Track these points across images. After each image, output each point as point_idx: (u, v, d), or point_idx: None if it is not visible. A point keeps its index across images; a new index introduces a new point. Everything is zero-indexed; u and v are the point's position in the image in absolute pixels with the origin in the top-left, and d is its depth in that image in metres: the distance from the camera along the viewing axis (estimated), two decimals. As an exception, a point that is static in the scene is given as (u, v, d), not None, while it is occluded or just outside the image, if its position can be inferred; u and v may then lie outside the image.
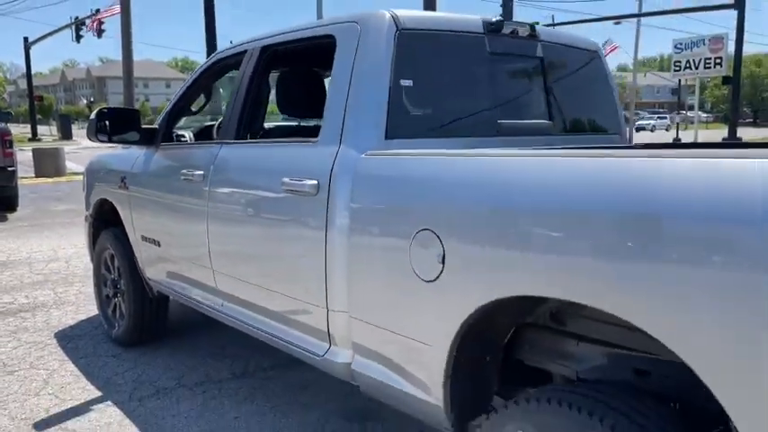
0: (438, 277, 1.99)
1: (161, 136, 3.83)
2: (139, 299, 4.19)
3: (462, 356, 2.02)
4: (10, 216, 10.45)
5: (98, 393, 3.69)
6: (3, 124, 10.83)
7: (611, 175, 1.63)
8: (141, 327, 4.28)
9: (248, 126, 3.18)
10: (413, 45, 2.55)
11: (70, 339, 4.61)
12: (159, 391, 3.71)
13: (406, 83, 2.51)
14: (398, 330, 2.20)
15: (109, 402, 3.55)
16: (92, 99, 78.92)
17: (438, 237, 1.99)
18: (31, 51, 33.91)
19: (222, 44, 17.77)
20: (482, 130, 2.73)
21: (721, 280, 1.34)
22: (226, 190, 3.10)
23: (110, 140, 3.64)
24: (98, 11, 28.76)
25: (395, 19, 2.54)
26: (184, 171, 3.38)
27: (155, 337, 4.44)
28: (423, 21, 2.65)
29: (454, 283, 1.95)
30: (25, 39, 33.87)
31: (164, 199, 3.66)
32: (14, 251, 7.64)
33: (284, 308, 2.79)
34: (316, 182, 2.48)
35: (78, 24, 30.54)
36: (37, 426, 3.30)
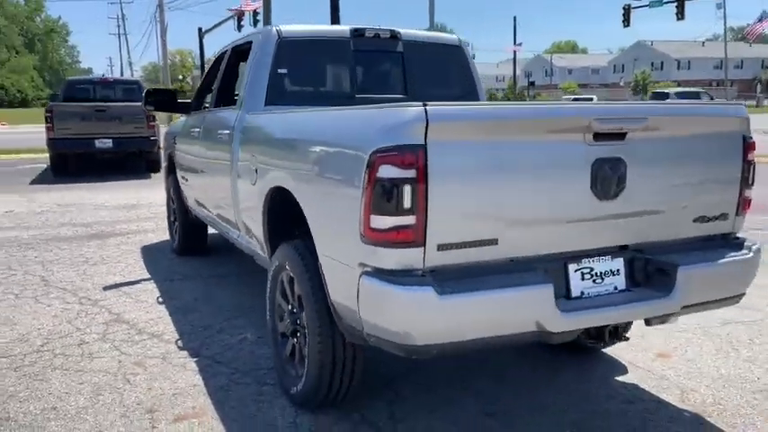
0: (255, 181, 3.59)
1: (193, 106, 5.69)
2: (184, 220, 6.15)
3: (269, 224, 3.58)
4: (153, 175, 13.19)
5: (148, 276, 5.68)
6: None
7: (313, 121, 3.14)
8: (186, 241, 6.25)
9: (220, 98, 4.91)
10: (289, 48, 4.12)
11: (148, 250, 6.73)
12: (185, 277, 5.62)
13: (282, 71, 4.08)
14: (246, 214, 3.83)
15: (151, 280, 5.53)
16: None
17: (255, 156, 3.58)
18: (205, 40, 38.58)
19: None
20: (341, 102, 4.20)
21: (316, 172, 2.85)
22: (203, 136, 4.88)
23: (155, 110, 5.57)
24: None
25: (278, 32, 4.12)
26: (192, 128, 5.22)
27: (197, 251, 6.40)
28: (298, 32, 4.20)
29: (260, 182, 3.54)
30: (199, 29, 38.61)
31: (184, 147, 5.53)
32: (144, 198, 10.14)
33: (223, 208, 4.51)
34: (228, 131, 4.16)
35: (239, 16, 34.33)
36: (105, 288, 5.32)
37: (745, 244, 3.01)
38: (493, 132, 2.41)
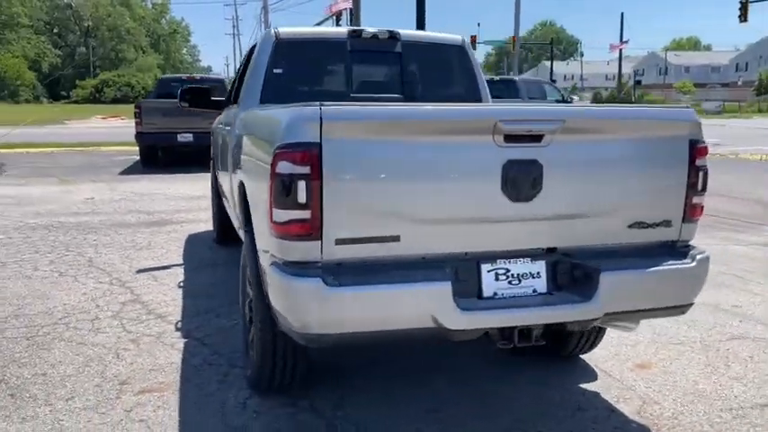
0: (233, 175, 3.81)
1: (224, 103, 6.02)
2: (218, 211, 6.52)
3: (243, 216, 3.79)
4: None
5: (181, 261, 6.10)
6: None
7: (256, 118, 3.33)
8: (220, 231, 6.61)
9: (235, 96, 5.19)
10: (286, 49, 4.31)
11: (194, 238, 7.19)
12: (213, 264, 5.98)
13: (278, 70, 4.29)
14: (234, 207, 4.07)
15: (182, 265, 5.93)
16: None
17: (236, 151, 3.82)
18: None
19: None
20: (336, 101, 4.35)
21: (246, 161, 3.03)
22: (219, 132, 5.18)
23: (189, 107, 5.94)
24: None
25: (276, 34, 4.32)
26: (218, 124, 5.55)
27: (231, 241, 6.76)
28: (296, 33, 4.38)
29: (234, 176, 3.75)
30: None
31: (213, 141, 5.88)
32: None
33: (228, 201, 4.77)
34: (229, 128, 4.41)
35: (338, 15, 35.15)
36: (138, 271, 5.77)
37: (691, 253, 2.89)
38: (391, 132, 2.48)
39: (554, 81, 45.03)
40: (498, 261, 2.71)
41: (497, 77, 19.83)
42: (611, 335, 4.27)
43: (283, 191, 2.41)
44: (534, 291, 2.74)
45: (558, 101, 17.58)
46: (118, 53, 77.10)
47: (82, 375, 3.61)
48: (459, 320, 2.52)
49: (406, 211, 2.52)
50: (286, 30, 4.38)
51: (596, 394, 3.46)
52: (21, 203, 9.24)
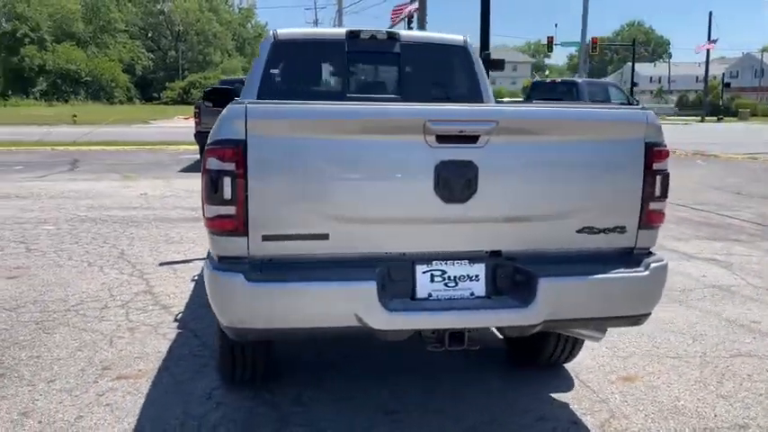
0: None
1: None
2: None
3: None
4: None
5: (205, 256, 6.30)
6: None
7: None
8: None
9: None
10: (283, 49, 4.40)
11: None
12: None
13: (274, 71, 4.38)
14: None
15: (203, 260, 6.13)
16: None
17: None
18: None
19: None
20: (332, 100, 4.39)
21: None
22: None
23: (213, 106, 6.13)
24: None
25: (275, 35, 4.41)
26: None
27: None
28: (294, 34, 4.46)
29: None
30: (375, 31, 40.24)
31: None
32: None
33: None
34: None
35: (409, 18, 35.24)
36: (161, 264, 6.01)
37: (645, 261, 2.75)
38: (318, 130, 2.50)
39: (636, 84, 43.43)
40: (434, 263, 2.67)
41: (559, 79, 19.37)
42: (605, 345, 4.12)
43: (212, 187, 2.48)
44: (472, 294, 2.69)
45: (622, 103, 16.94)
46: (205, 56, 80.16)
47: (71, 359, 3.81)
48: (384, 321, 2.51)
49: (333, 209, 2.54)
50: (285, 31, 4.47)
51: (565, 405, 3.35)
52: (80, 197, 9.80)
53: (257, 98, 4.30)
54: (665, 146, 2.75)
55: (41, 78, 60.78)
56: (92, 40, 68.66)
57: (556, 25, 77.25)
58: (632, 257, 2.78)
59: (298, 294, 2.48)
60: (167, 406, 3.27)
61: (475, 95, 4.61)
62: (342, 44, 4.44)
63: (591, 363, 3.86)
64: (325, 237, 2.55)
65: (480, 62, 4.67)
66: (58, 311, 4.65)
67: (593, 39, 42.52)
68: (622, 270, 2.69)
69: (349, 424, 3.12)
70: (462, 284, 2.68)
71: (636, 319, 2.80)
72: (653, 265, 2.73)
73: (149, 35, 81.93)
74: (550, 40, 42.63)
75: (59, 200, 9.51)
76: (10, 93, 58.85)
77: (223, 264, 2.54)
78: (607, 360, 3.92)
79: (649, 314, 2.81)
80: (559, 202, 2.68)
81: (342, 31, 4.47)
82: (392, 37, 4.48)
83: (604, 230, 2.73)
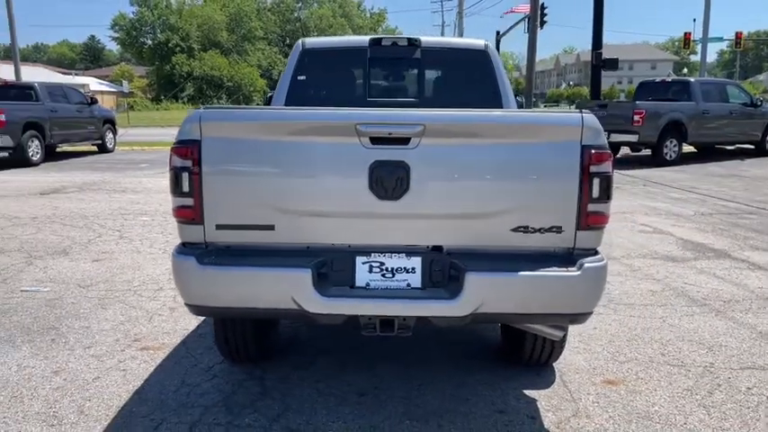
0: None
1: None
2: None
3: None
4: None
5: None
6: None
7: None
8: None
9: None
10: (310, 57, 4.74)
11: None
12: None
13: (301, 77, 4.74)
14: None
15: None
16: (570, 83, 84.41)
17: None
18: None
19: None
20: (354, 104, 4.68)
21: None
22: None
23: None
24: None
25: (303, 43, 4.78)
26: None
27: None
28: (320, 43, 4.79)
29: None
30: (497, 32, 40.00)
31: None
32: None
33: None
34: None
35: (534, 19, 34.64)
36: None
37: (580, 261, 2.79)
38: (264, 132, 2.80)
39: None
40: (374, 255, 2.89)
41: (669, 78, 18.26)
42: (607, 349, 4.10)
43: (174, 181, 2.86)
44: (408, 285, 2.88)
45: (744, 104, 15.72)
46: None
47: (112, 331, 4.39)
48: (318, 305, 2.77)
49: (278, 203, 2.83)
50: (312, 40, 4.81)
51: (532, 401, 3.42)
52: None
53: (285, 104, 4.69)
54: (605, 148, 2.78)
55: (189, 84, 66.00)
56: (234, 48, 73.46)
57: (694, 20, 72.05)
58: (571, 257, 2.84)
59: (241, 277, 2.80)
60: (172, 374, 3.72)
61: (494, 99, 4.70)
62: (365, 51, 4.71)
63: (583, 364, 3.87)
64: (271, 227, 2.86)
65: (502, 67, 4.75)
66: (120, 290, 5.30)
67: (737, 33, 39.48)
68: (552, 269, 2.76)
69: (316, 401, 3.40)
70: (399, 276, 2.88)
71: (572, 318, 2.85)
72: (587, 265, 2.77)
73: (286, 42, 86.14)
74: (687, 37, 40.09)
75: (165, 194, 10.52)
76: (162, 98, 64.51)
77: (182, 249, 2.92)
78: (602, 363, 3.90)
79: (588, 313, 2.85)
80: (491, 202, 2.80)
81: (365, 39, 4.74)
82: (413, 43, 4.68)
83: (540, 230, 2.82)
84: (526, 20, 35.49)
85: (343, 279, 2.87)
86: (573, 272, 2.75)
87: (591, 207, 2.79)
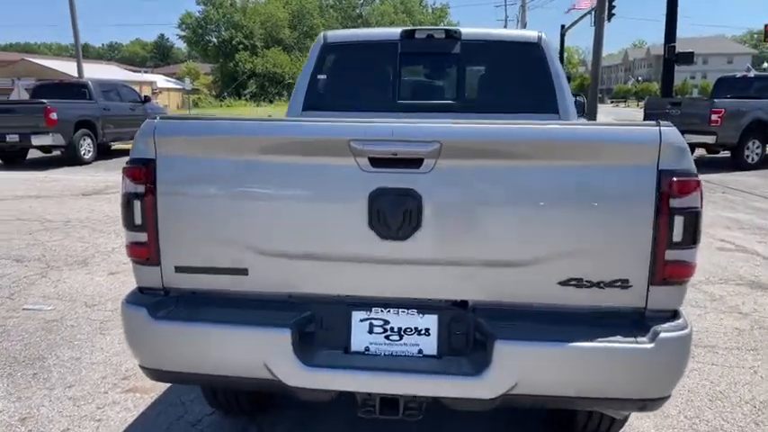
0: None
1: None
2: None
3: None
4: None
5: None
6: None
7: None
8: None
9: None
10: (332, 53, 4.10)
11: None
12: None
13: (322, 76, 4.10)
14: None
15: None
16: (639, 78, 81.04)
17: None
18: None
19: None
20: (381, 106, 4.01)
21: None
22: None
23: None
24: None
25: (324, 37, 4.13)
26: None
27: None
28: (344, 36, 4.13)
29: None
30: (562, 26, 38.48)
31: None
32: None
33: None
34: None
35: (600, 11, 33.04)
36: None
37: (655, 328, 2.04)
38: (234, 150, 2.17)
39: None
40: (375, 310, 2.22)
41: (752, 74, 16.71)
42: (690, 410, 3.30)
43: (125, 210, 2.26)
44: (420, 351, 2.19)
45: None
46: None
47: (102, 365, 3.87)
48: (298, 376, 2.12)
49: (252, 241, 2.20)
50: (335, 33, 4.17)
51: None
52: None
53: (302, 108, 4.06)
54: (692, 174, 2.02)
55: (251, 81, 66.70)
56: (296, 45, 73.88)
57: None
58: (642, 321, 2.09)
59: (200, 336, 2.18)
60: (153, 427, 3.15)
61: (549, 101, 3.95)
62: (395, 46, 4.04)
63: (653, 435, 3.09)
64: (243, 272, 2.22)
65: (557, 61, 3.98)
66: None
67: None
68: (615, 339, 2.02)
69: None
70: (408, 339, 2.19)
71: (641, 404, 2.10)
72: (663, 334, 2.02)
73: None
74: (768, 29, 37.50)
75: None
76: (225, 95, 65.43)
77: (134, 296, 2.32)
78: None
79: (663, 398, 2.10)
80: (531, 245, 2.08)
81: (396, 30, 4.06)
82: (452, 36, 3.98)
83: (598, 284, 2.08)
84: (593, 12, 34.00)
85: (335, 341, 2.21)
86: (644, 343, 2.01)
87: (670, 254, 2.04)
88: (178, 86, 64.81)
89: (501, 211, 2.08)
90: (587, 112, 20.88)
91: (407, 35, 4.01)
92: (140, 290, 2.35)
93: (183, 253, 2.24)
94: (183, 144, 2.19)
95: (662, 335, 2.01)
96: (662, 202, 2.00)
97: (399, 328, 2.19)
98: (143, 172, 2.20)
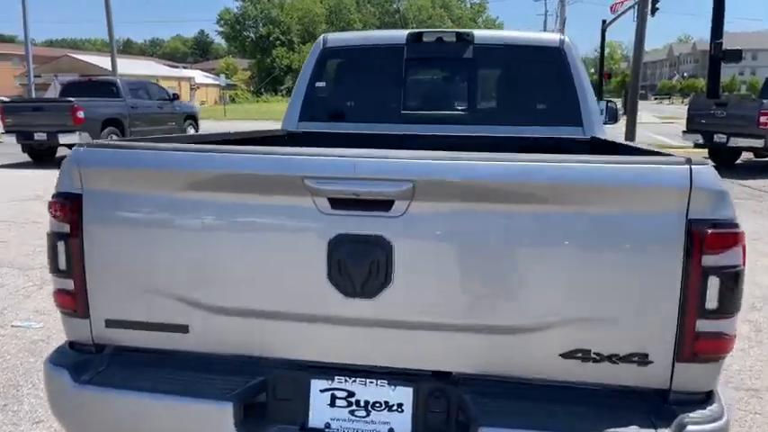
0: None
1: None
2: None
3: None
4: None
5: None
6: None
7: None
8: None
9: None
10: (332, 58, 3.73)
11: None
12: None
13: (320, 84, 3.73)
14: None
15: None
16: (684, 74, 78.62)
17: None
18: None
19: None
20: (384, 117, 3.63)
21: None
22: None
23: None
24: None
25: (324, 40, 3.77)
26: None
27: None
28: (345, 39, 3.75)
29: None
30: (603, 21, 37.37)
31: None
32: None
33: None
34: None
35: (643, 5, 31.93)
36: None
37: (681, 417, 1.62)
38: (171, 186, 1.81)
39: None
40: (338, 379, 1.84)
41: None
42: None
43: (51, 252, 1.93)
44: (390, 430, 1.80)
45: None
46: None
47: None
48: None
49: (193, 292, 1.84)
50: (336, 36, 3.80)
51: None
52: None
53: (299, 116, 3.71)
54: (732, 225, 1.59)
55: (288, 77, 66.90)
56: (333, 41, 73.88)
57: None
58: (665, 407, 1.67)
59: (129, 407, 1.83)
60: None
61: (571, 112, 3.51)
62: (401, 50, 3.64)
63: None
64: (183, 329, 1.87)
65: (581, 68, 3.53)
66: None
67: None
68: (631, 428, 1.61)
69: None
70: (377, 415, 1.81)
71: None
72: (692, 427, 1.59)
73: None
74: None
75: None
76: (262, 90, 65.80)
77: (59, 354, 1.99)
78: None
79: None
80: (528, 308, 1.68)
81: (402, 33, 3.66)
82: (464, 39, 3.57)
83: (610, 358, 1.67)
84: (636, 6, 32.90)
85: (290, 414, 1.84)
86: None
87: (703, 325, 1.61)
88: (216, 82, 65.37)
89: (490, 266, 1.68)
90: (628, 110, 20.01)
91: (414, 38, 3.61)
92: (71, 345, 2.02)
93: (115, 305, 1.90)
94: (112, 177, 1.85)
95: (689, 428, 1.59)
96: (692, 259, 1.58)
97: (367, 402, 1.81)
98: (68, 209, 1.86)
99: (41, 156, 14.87)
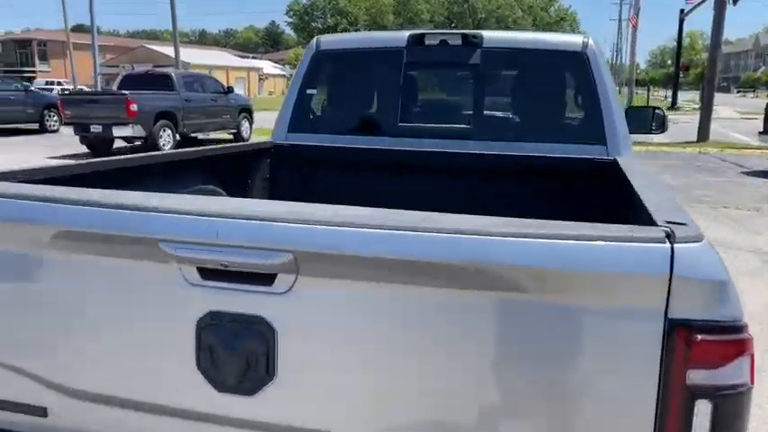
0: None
1: None
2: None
3: None
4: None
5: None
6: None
7: None
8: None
9: None
10: (325, 63, 3.33)
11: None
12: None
13: (311, 91, 3.35)
14: None
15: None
16: (771, 66, 74.12)
17: None
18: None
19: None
20: (379, 130, 3.22)
21: None
22: None
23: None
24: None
25: (317, 43, 3.37)
26: None
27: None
28: (340, 42, 3.34)
29: None
30: (681, 11, 35.44)
31: None
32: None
33: None
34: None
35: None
36: None
37: None
38: (18, 240, 1.47)
39: None
40: None
41: None
42: None
43: None
44: None
45: None
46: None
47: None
48: None
49: (48, 373, 1.50)
50: (331, 38, 3.39)
51: None
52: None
53: (288, 127, 3.34)
54: (734, 329, 1.12)
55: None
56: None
57: None
58: None
59: None
60: None
61: (591, 127, 3.00)
62: (400, 54, 3.21)
63: None
64: (41, 412, 1.53)
65: (607, 76, 3.00)
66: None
67: None
68: None
69: None
70: None
71: None
72: None
73: (453, 24, 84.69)
74: None
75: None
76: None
77: None
78: None
79: None
80: (445, 415, 1.25)
81: (403, 35, 3.22)
82: (471, 41, 3.09)
83: None
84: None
85: None
86: None
87: None
88: (284, 73, 66.12)
89: (401, 362, 1.27)
90: (704, 105, 18.62)
91: (415, 41, 3.17)
92: None
93: None
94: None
95: None
96: (671, 375, 1.12)
97: None
98: None
99: (98, 148, 15.11)
